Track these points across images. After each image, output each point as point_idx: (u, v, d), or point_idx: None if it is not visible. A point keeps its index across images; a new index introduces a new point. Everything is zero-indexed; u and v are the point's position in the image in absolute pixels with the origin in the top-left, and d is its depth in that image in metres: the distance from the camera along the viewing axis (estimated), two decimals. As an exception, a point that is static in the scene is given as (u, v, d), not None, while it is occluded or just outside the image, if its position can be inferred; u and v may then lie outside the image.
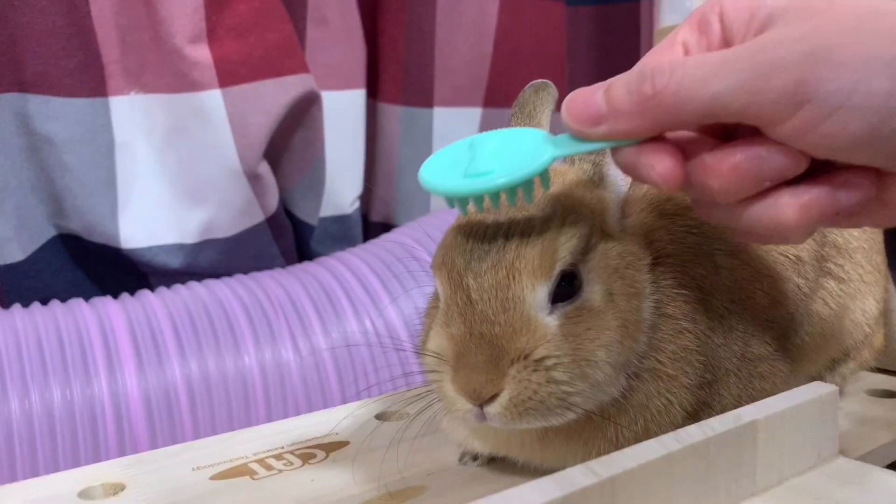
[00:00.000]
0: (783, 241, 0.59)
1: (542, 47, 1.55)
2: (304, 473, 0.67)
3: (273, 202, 1.30)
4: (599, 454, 0.60)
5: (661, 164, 0.52)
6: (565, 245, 0.56)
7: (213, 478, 0.66)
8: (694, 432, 0.51)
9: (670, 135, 0.53)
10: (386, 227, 1.53)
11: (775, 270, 0.67)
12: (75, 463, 0.94)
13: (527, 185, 0.54)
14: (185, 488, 0.65)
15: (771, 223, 0.52)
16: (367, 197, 1.55)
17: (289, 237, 1.38)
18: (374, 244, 1.27)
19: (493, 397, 0.55)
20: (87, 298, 1.09)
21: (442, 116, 1.49)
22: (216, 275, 1.23)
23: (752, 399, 0.65)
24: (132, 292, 1.13)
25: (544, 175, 0.55)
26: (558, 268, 0.56)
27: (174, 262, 1.23)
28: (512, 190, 0.54)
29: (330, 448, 0.72)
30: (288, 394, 1.10)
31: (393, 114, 1.51)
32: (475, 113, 1.52)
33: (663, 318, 0.61)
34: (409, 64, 1.47)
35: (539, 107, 0.65)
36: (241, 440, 0.73)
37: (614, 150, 0.55)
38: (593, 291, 0.58)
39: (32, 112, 1.10)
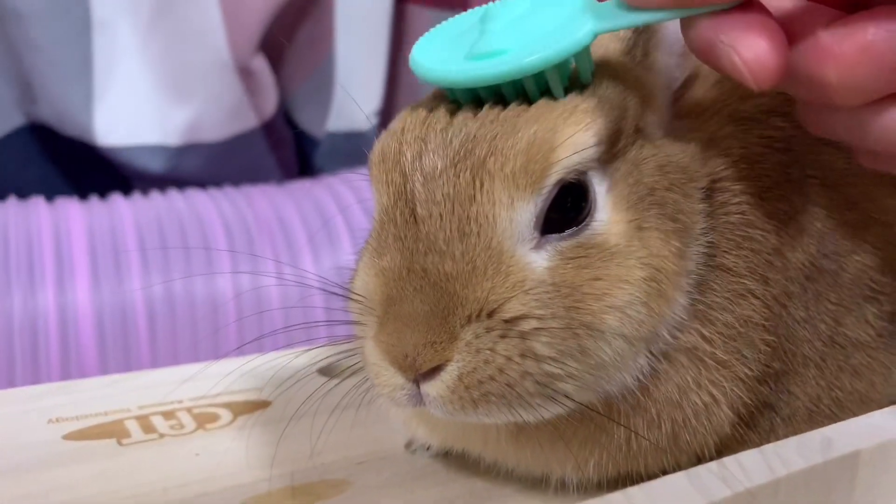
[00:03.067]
0: None
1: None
2: (190, 443, 0.49)
3: (269, 105, 1.17)
4: (600, 465, 0.41)
5: (749, 47, 0.35)
6: (572, 139, 0.36)
7: (68, 437, 0.49)
8: (753, 465, 0.31)
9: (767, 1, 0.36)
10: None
11: (894, 216, 0.45)
12: (10, 383, 0.84)
13: (556, 71, 0.37)
14: (24, 447, 0.47)
15: None
16: (388, 113, 1.38)
17: (288, 149, 1.25)
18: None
19: (434, 370, 0.35)
20: (52, 198, 0.96)
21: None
22: (202, 184, 1.10)
23: (838, 404, 0.44)
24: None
25: (582, 58, 0.38)
26: (556, 175, 0.36)
27: (155, 165, 1.10)
28: (535, 77, 0.37)
29: (242, 408, 0.53)
30: (265, 326, 0.95)
31: (422, 17, 1.33)
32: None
33: (718, 273, 0.40)
34: (444, -42, 1.28)
35: None
36: (130, 386, 0.56)
37: (684, 23, 0.37)
38: (612, 221, 0.37)
39: None
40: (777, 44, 0.35)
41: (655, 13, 0.36)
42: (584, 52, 0.38)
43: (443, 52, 0.39)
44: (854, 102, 0.37)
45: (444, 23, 0.41)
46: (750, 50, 0.35)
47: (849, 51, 0.35)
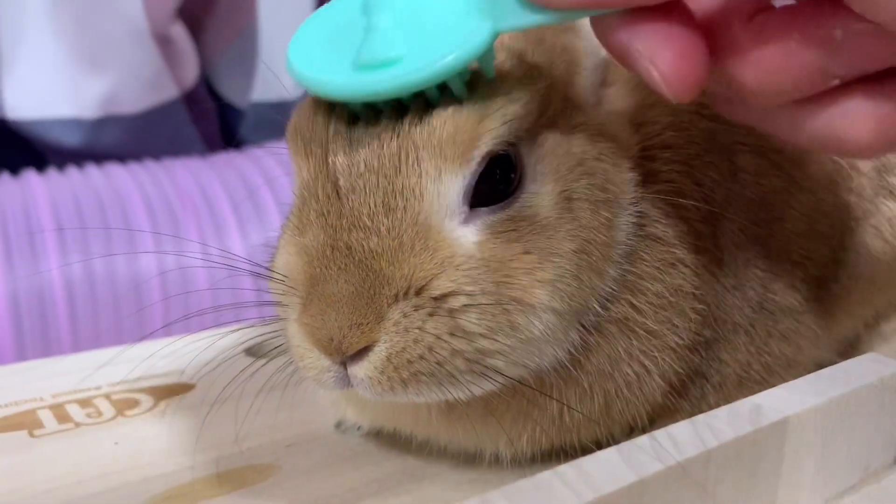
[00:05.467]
0: (844, 155, 0.40)
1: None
2: (110, 431, 0.47)
3: (190, 75, 1.13)
4: (533, 439, 0.40)
5: (667, 60, 0.32)
6: (500, 112, 0.34)
7: (-25, 430, 0.46)
8: (684, 437, 0.30)
9: None
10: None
11: (820, 182, 0.46)
12: (-81, 372, 0.78)
13: (457, 77, 0.34)
14: (-74, 444, 0.44)
15: (830, 139, 0.34)
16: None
17: (211, 120, 1.21)
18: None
19: (361, 352, 0.34)
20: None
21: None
22: (121, 158, 1.06)
23: (767, 369, 0.45)
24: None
25: (484, 59, 0.34)
26: (484, 147, 0.35)
27: (71, 139, 1.05)
28: (435, 88, 0.34)
29: (164, 392, 0.51)
30: (192, 304, 0.91)
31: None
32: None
33: (648, 243, 0.40)
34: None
35: None
36: (43, 373, 0.53)
37: (595, 22, 0.34)
38: (541, 193, 0.36)
39: None
40: (697, 55, 0.32)
41: (559, 13, 0.33)
42: (488, 54, 0.34)
43: (326, 55, 0.34)
44: (772, 103, 0.35)
45: (319, 11, 0.37)
46: (668, 64, 0.32)
47: (770, 54, 0.33)
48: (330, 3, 0.37)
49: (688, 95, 0.32)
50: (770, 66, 0.33)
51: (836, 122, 0.34)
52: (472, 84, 0.35)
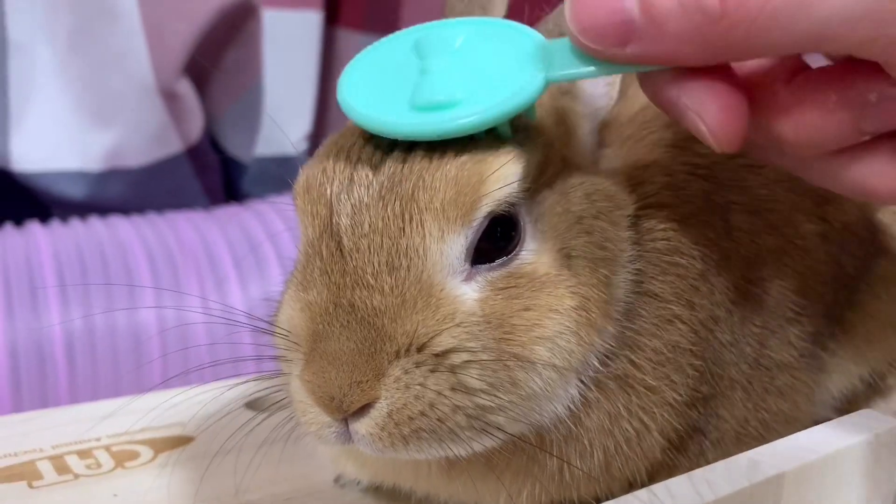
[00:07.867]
0: (873, 202, 0.44)
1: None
2: (108, 483, 0.47)
3: (195, 130, 1.14)
4: (533, 495, 0.41)
5: (714, 114, 0.35)
6: (500, 172, 0.35)
7: (-26, 481, 0.46)
8: (681, 491, 0.31)
9: None
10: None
11: (813, 241, 0.47)
12: (-84, 423, 0.78)
13: (506, 120, 0.36)
14: (-75, 496, 0.44)
15: (861, 187, 0.37)
16: (318, 137, 1.37)
17: (214, 174, 1.23)
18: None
19: (363, 408, 0.34)
20: (-37, 227, 0.93)
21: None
22: (125, 211, 1.07)
23: (765, 425, 0.45)
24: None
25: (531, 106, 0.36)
26: (486, 208, 0.36)
27: (76, 192, 1.07)
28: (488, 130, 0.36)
29: (164, 445, 0.51)
30: (191, 358, 0.92)
31: (352, 42, 1.33)
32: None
33: (646, 300, 0.41)
34: (373, -16, 1.28)
35: None
36: (43, 424, 0.53)
37: (644, 77, 0.37)
38: (540, 250, 0.37)
39: None
40: (740, 110, 0.35)
41: (611, 66, 0.35)
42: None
43: (380, 95, 0.36)
44: (807, 155, 0.37)
45: (369, 49, 0.39)
46: (714, 118, 0.35)
47: (809, 115, 0.36)
48: (378, 42, 0.39)
49: (732, 146, 0.35)
50: (808, 123, 0.36)
51: (866, 172, 0.37)
52: (473, 144, 0.36)
